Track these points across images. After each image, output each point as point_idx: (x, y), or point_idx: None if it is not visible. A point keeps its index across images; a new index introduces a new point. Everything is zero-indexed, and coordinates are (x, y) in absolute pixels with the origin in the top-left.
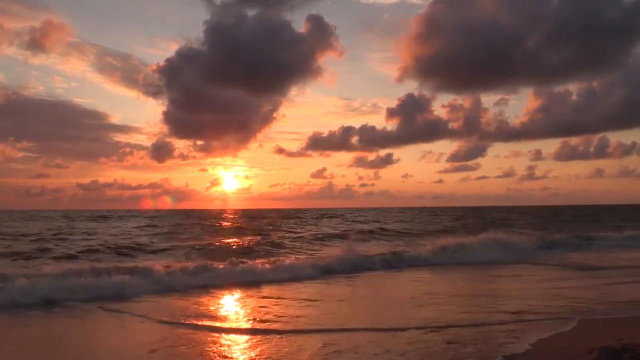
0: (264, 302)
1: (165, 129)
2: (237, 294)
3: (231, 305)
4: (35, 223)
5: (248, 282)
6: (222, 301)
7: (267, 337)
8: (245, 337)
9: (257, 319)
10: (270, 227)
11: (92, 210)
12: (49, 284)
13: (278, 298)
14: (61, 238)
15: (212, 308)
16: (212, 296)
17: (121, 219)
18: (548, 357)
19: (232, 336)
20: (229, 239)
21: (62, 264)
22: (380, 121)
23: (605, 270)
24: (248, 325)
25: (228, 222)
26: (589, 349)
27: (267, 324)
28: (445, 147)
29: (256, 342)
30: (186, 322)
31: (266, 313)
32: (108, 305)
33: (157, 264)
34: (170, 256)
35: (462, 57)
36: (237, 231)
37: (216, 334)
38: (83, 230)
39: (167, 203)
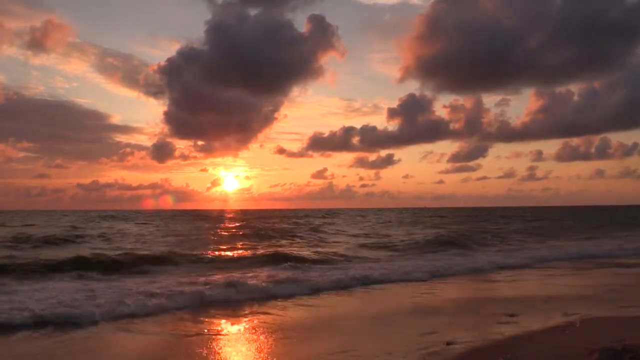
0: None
1: (166, 129)
2: None
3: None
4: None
5: None
6: None
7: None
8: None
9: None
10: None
11: (95, 210)
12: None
13: None
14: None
15: None
16: None
17: (135, 220)
18: (548, 358)
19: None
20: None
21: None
22: (381, 122)
23: None
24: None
25: (254, 223)
26: (590, 349)
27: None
28: (447, 147)
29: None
30: None
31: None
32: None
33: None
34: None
35: (464, 57)
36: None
37: None
38: (132, 233)
39: (168, 203)
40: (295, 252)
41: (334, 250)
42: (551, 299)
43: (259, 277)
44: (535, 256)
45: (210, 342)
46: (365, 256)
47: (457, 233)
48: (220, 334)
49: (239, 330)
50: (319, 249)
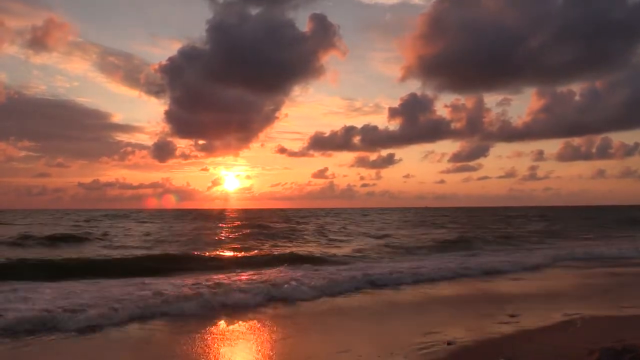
0: None
1: (167, 128)
2: None
3: None
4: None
5: None
6: None
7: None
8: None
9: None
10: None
11: (97, 209)
12: None
13: None
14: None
15: None
16: None
17: (143, 219)
18: (548, 358)
19: None
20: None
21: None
22: (382, 121)
23: None
24: None
25: (260, 222)
26: (590, 349)
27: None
28: (448, 147)
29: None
30: None
31: None
32: None
33: None
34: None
35: (465, 57)
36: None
37: None
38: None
39: (169, 202)
40: (307, 252)
41: (346, 250)
42: (552, 299)
43: (269, 278)
44: (542, 256)
45: (220, 343)
46: (375, 256)
47: (465, 233)
48: (231, 335)
49: (250, 331)
50: (331, 249)
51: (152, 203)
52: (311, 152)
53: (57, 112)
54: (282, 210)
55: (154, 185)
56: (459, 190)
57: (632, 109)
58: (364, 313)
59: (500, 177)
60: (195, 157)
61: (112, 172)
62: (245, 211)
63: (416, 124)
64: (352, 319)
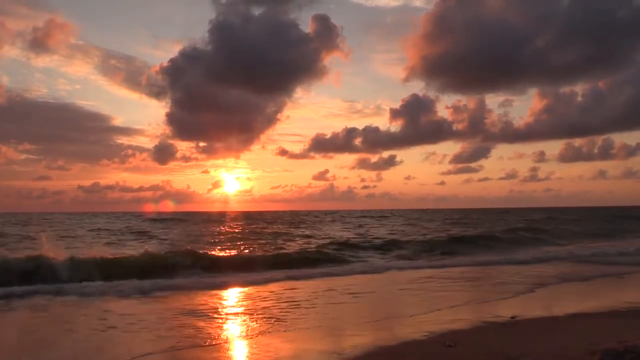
0: None
1: (167, 130)
2: None
3: None
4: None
5: None
6: None
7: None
8: None
9: None
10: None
11: (98, 213)
12: None
13: None
14: None
15: None
16: None
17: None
18: (550, 359)
19: None
20: None
21: None
22: (383, 123)
23: None
24: None
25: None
26: (592, 350)
27: None
28: (449, 148)
29: None
30: None
31: None
32: None
33: None
34: None
35: (468, 57)
36: None
37: None
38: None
39: (168, 205)
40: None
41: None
42: (553, 299)
43: None
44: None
45: None
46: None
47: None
48: None
49: None
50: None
51: (152, 206)
52: (312, 154)
53: (58, 115)
54: (288, 212)
55: (154, 188)
56: (459, 192)
57: (635, 109)
58: (370, 315)
59: (501, 178)
60: (196, 159)
61: (112, 175)
62: (260, 213)
63: (418, 125)
64: (360, 318)
